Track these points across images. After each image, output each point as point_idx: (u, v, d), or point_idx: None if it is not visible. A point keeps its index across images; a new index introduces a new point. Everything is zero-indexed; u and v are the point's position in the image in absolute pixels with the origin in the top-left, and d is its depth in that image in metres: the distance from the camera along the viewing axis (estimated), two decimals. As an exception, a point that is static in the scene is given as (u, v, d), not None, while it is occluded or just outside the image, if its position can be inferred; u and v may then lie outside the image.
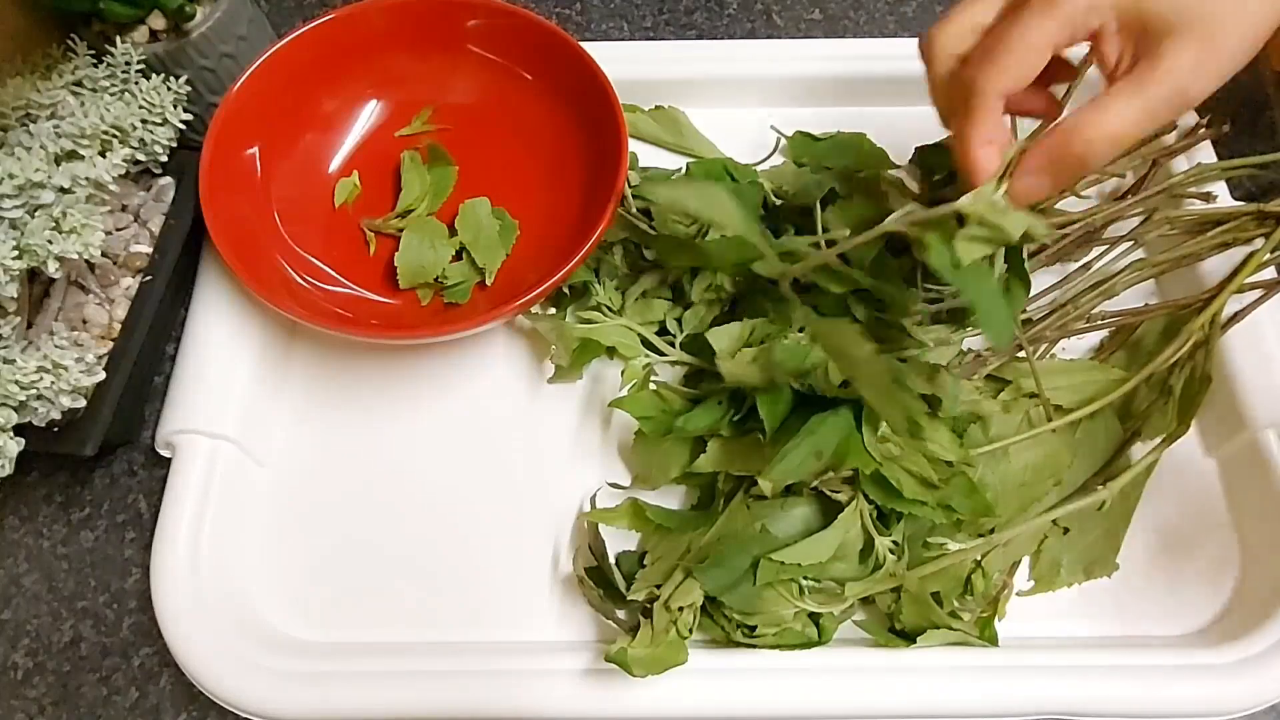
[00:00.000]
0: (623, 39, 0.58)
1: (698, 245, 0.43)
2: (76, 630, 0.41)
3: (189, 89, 0.45)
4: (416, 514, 0.43)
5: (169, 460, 0.42)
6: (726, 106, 0.53)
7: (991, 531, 0.39)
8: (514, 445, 0.44)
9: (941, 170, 0.45)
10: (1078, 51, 0.32)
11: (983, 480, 0.40)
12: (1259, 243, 0.43)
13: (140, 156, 0.43)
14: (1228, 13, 0.28)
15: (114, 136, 0.42)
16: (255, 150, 0.47)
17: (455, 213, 0.47)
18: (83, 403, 0.39)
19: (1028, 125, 0.35)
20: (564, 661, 0.37)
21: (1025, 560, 0.41)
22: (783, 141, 0.51)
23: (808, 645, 0.38)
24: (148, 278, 0.43)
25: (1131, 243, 0.46)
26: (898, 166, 0.48)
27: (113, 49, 0.43)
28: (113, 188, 0.41)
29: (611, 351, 0.44)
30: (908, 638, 0.38)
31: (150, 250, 0.44)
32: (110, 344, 0.42)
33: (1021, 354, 0.42)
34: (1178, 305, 0.44)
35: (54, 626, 0.41)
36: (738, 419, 0.39)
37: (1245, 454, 0.42)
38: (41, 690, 0.40)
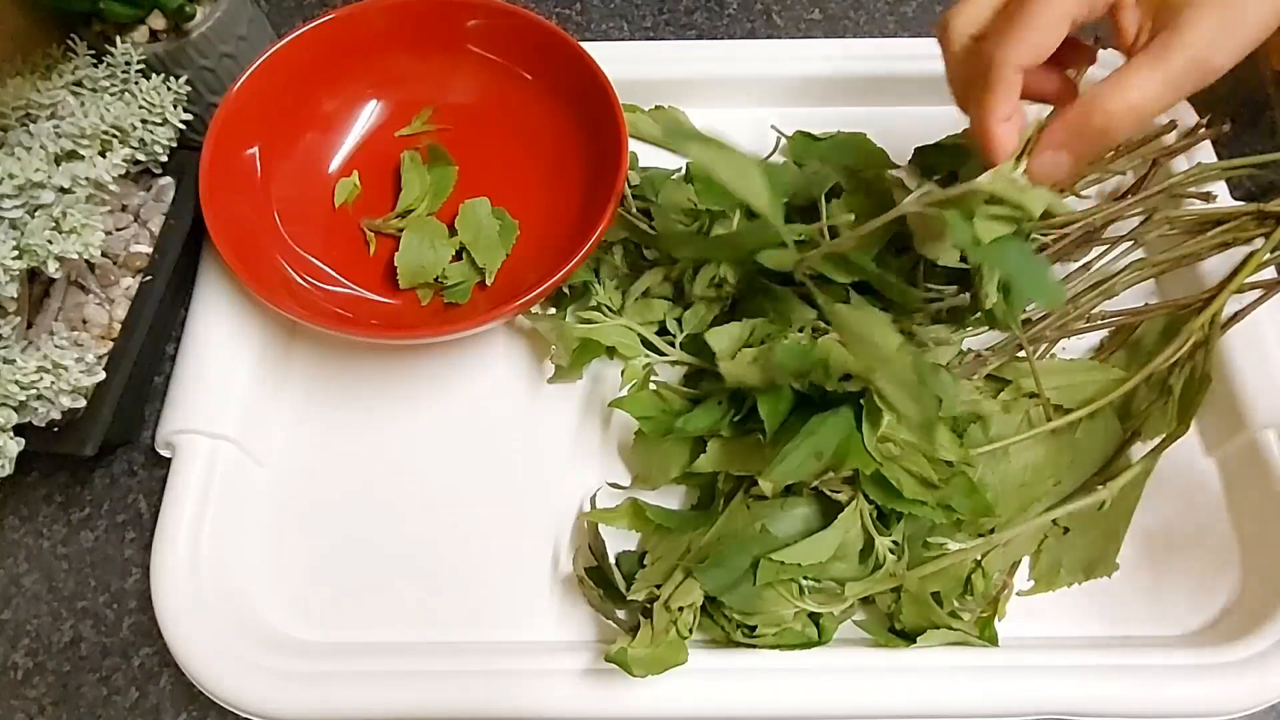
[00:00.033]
0: (623, 39, 0.58)
1: (702, 239, 0.43)
2: (76, 630, 0.41)
3: (189, 89, 0.45)
4: (416, 514, 0.43)
5: (169, 460, 0.42)
6: (726, 106, 0.53)
7: (991, 531, 0.39)
8: (514, 445, 0.44)
9: (941, 170, 0.45)
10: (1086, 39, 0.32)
11: (983, 480, 0.40)
12: (1259, 243, 0.43)
13: (140, 156, 0.43)
14: None
15: (114, 136, 0.42)
16: (255, 150, 0.47)
17: (455, 213, 0.47)
18: (83, 403, 0.39)
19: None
20: (564, 661, 0.37)
21: (1025, 560, 0.41)
22: (783, 141, 0.51)
23: (808, 645, 0.38)
24: (148, 278, 0.43)
25: (1131, 243, 0.46)
26: (897, 166, 0.48)
27: (113, 49, 0.43)
28: (113, 188, 0.41)
29: (611, 351, 0.44)
30: (908, 638, 0.38)
31: (150, 250, 0.44)
32: (110, 344, 0.42)
33: (1021, 354, 0.42)
34: (1178, 305, 0.44)
35: (54, 626, 0.41)
36: (738, 419, 0.39)
37: (1245, 454, 0.42)
38: (41, 690, 0.40)
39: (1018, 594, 0.40)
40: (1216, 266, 0.44)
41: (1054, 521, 0.40)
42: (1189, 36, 0.28)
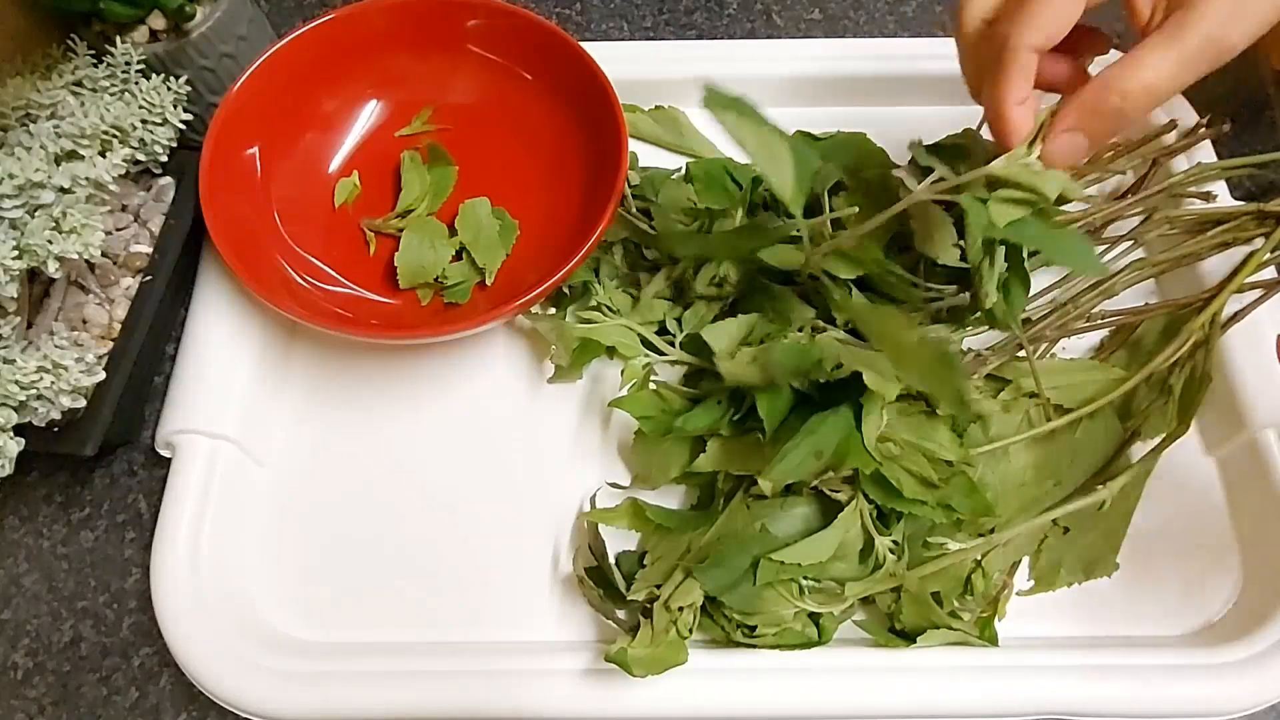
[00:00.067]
0: (623, 39, 0.58)
1: (703, 237, 0.43)
2: (76, 630, 0.41)
3: (189, 89, 0.45)
4: (416, 514, 0.43)
5: (169, 460, 0.42)
6: (726, 106, 0.53)
7: (991, 531, 0.39)
8: (514, 445, 0.44)
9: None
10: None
11: (983, 480, 0.40)
12: (1259, 242, 0.43)
13: (140, 156, 0.43)
14: None
15: (114, 136, 0.42)
16: (255, 150, 0.47)
17: (455, 213, 0.47)
18: (83, 403, 0.39)
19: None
20: (564, 661, 0.37)
21: (1025, 560, 0.41)
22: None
23: (808, 645, 0.38)
24: (148, 278, 0.43)
25: (1131, 242, 0.46)
26: (897, 166, 0.48)
27: (113, 49, 0.43)
28: (113, 188, 0.41)
29: (611, 351, 0.44)
30: (908, 638, 0.38)
31: (150, 250, 0.44)
32: (110, 344, 0.42)
33: (1021, 354, 0.42)
34: (1178, 305, 0.44)
35: (54, 626, 0.41)
36: (737, 418, 0.39)
37: (1245, 454, 0.42)
38: (41, 690, 0.40)
39: (1018, 594, 0.40)
40: (1216, 266, 0.44)
41: (1054, 521, 0.40)
42: (1204, 15, 0.28)
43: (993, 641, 0.38)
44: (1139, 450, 0.42)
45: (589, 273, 0.45)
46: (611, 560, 0.39)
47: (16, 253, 0.37)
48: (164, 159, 0.44)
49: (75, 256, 0.38)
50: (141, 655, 0.41)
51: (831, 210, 0.41)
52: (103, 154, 0.41)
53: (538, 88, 0.49)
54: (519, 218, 0.47)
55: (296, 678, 0.37)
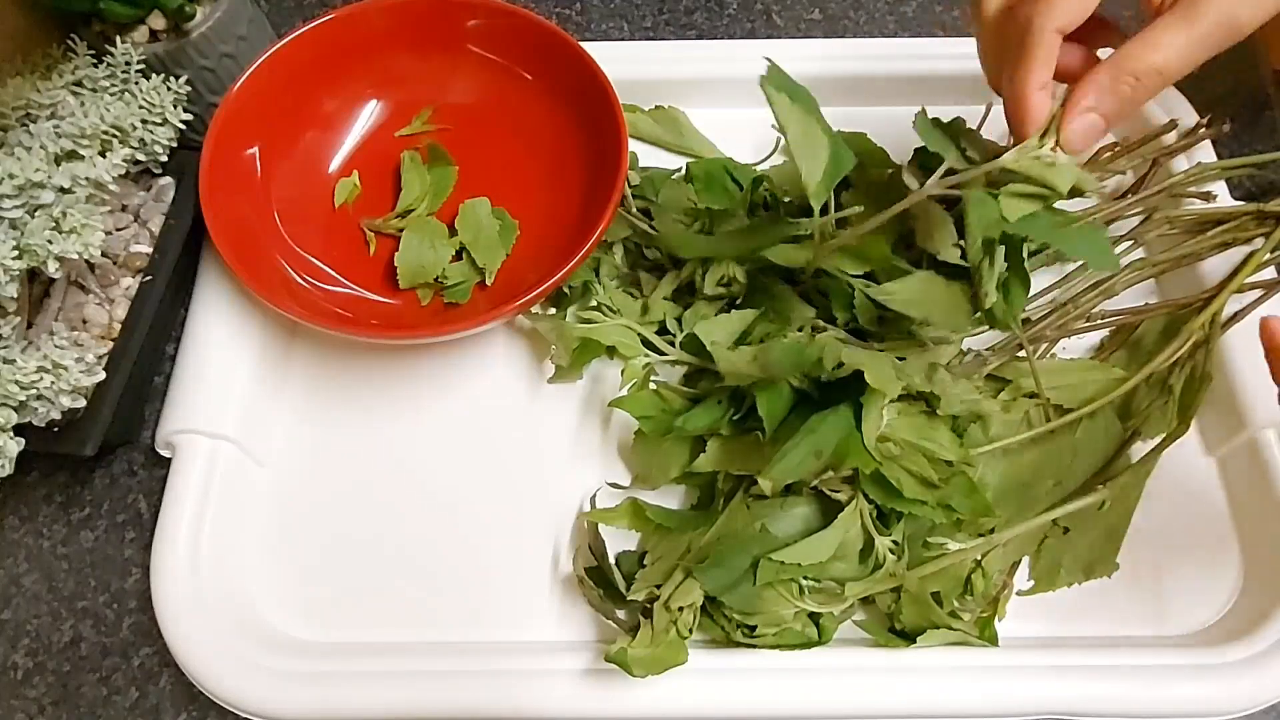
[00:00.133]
0: (623, 39, 0.58)
1: (709, 237, 0.43)
2: (76, 630, 0.41)
3: (189, 89, 0.45)
4: (416, 514, 0.43)
5: (169, 460, 0.42)
6: (726, 106, 0.53)
7: (991, 531, 0.39)
8: (514, 445, 0.44)
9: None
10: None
11: (983, 480, 0.40)
12: (1259, 243, 0.43)
13: (140, 156, 0.43)
14: None
15: (114, 136, 0.42)
16: (255, 150, 0.47)
17: (455, 213, 0.47)
18: (83, 403, 0.39)
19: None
20: (564, 661, 0.37)
21: (1025, 560, 0.41)
22: (783, 141, 0.51)
23: (808, 645, 0.38)
24: (148, 278, 0.43)
25: (1131, 242, 0.46)
26: (898, 166, 0.48)
27: (113, 49, 0.43)
28: (113, 188, 0.41)
29: (611, 351, 0.44)
30: (908, 638, 0.38)
31: (150, 250, 0.44)
32: (110, 344, 0.42)
33: (1021, 354, 0.42)
34: (1178, 305, 0.44)
35: (54, 626, 0.41)
36: (737, 418, 0.39)
37: (1245, 454, 0.42)
38: (41, 690, 0.40)
39: (1018, 594, 0.40)
40: (1216, 266, 0.44)
41: (1054, 521, 0.40)
42: None
43: (993, 641, 0.38)
44: (1139, 450, 0.42)
45: (589, 273, 0.45)
46: (611, 560, 0.39)
47: (16, 253, 0.37)
48: (164, 159, 0.44)
49: (75, 256, 0.38)
50: (141, 655, 0.41)
51: (838, 208, 0.41)
52: (103, 154, 0.41)
53: (538, 88, 0.49)
54: (519, 218, 0.47)
55: (296, 678, 0.37)
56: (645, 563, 0.38)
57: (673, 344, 0.44)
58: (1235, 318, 0.43)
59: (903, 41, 0.54)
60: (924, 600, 0.37)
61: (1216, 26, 0.29)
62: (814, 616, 0.38)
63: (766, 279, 0.43)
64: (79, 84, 0.43)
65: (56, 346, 0.38)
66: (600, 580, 0.39)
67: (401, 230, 0.47)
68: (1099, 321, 0.45)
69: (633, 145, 0.47)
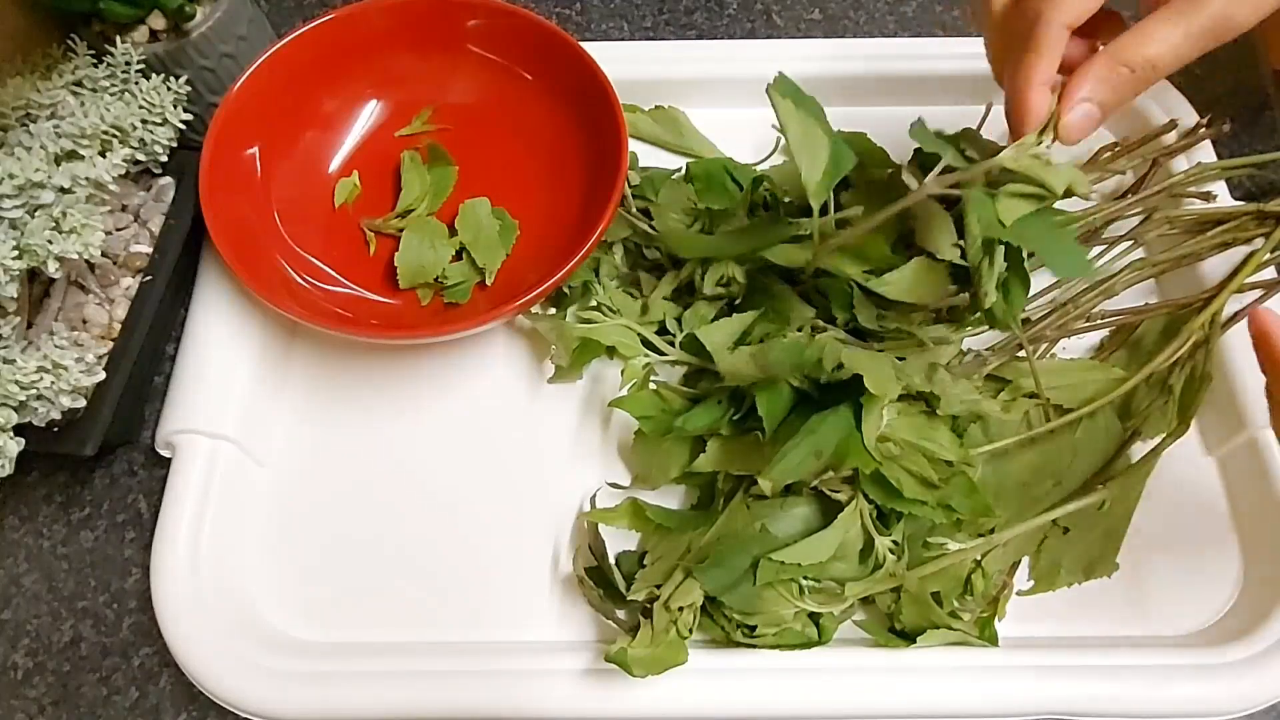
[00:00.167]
0: (623, 39, 0.58)
1: (709, 238, 0.43)
2: (76, 630, 0.41)
3: (189, 89, 0.45)
4: (416, 514, 0.43)
5: (169, 460, 0.42)
6: (726, 106, 0.53)
7: (991, 531, 0.39)
8: (514, 445, 0.44)
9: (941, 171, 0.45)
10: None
11: (983, 480, 0.40)
12: (1259, 243, 0.43)
13: (140, 156, 0.43)
14: None
15: (114, 136, 0.42)
16: (255, 150, 0.47)
17: (455, 213, 0.47)
18: (83, 403, 0.39)
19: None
20: (564, 661, 0.37)
21: (1025, 560, 0.41)
22: (783, 141, 0.51)
23: (808, 645, 0.38)
24: (148, 278, 0.43)
25: (1131, 242, 0.46)
26: (898, 166, 0.48)
27: (113, 49, 0.43)
28: (113, 188, 0.41)
29: (611, 351, 0.44)
30: (908, 638, 0.38)
31: (150, 250, 0.44)
32: (110, 344, 0.42)
33: (1021, 354, 0.42)
34: (1178, 305, 0.44)
35: (54, 626, 0.41)
36: (737, 418, 0.39)
37: (1245, 453, 0.42)
38: (41, 690, 0.40)
39: (1018, 594, 0.40)
40: (1216, 266, 0.44)
41: (1054, 521, 0.40)
42: None
43: (993, 641, 0.38)
44: (1139, 450, 0.42)
45: (589, 273, 0.45)
46: (611, 560, 0.39)
47: (16, 253, 0.37)
48: (164, 159, 0.44)
49: (75, 256, 0.38)
50: (141, 655, 0.41)
51: (838, 208, 0.41)
52: (103, 154, 0.41)
53: (538, 88, 0.49)
54: (519, 218, 0.47)
55: (296, 678, 0.37)
56: (645, 563, 0.38)
57: (673, 344, 0.44)
58: (1235, 318, 0.43)
59: (903, 41, 0.54)
60: (924, 600, 0.37)
61: (1211, 22, 0.29)
62: (814, 616, 0.38)
63: (766, 279, 0.42)
64: (79, 84, 0.43)
65: (56, 346, 0.38)
66: (600, 580, 0.39)
67: (401, 230, 0.47)
68: (1099, 321, 0.45)
69: (633, 145, 0.47)
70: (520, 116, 0.50)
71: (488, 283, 0.46)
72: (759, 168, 0.50)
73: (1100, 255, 0.46)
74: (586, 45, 0.47)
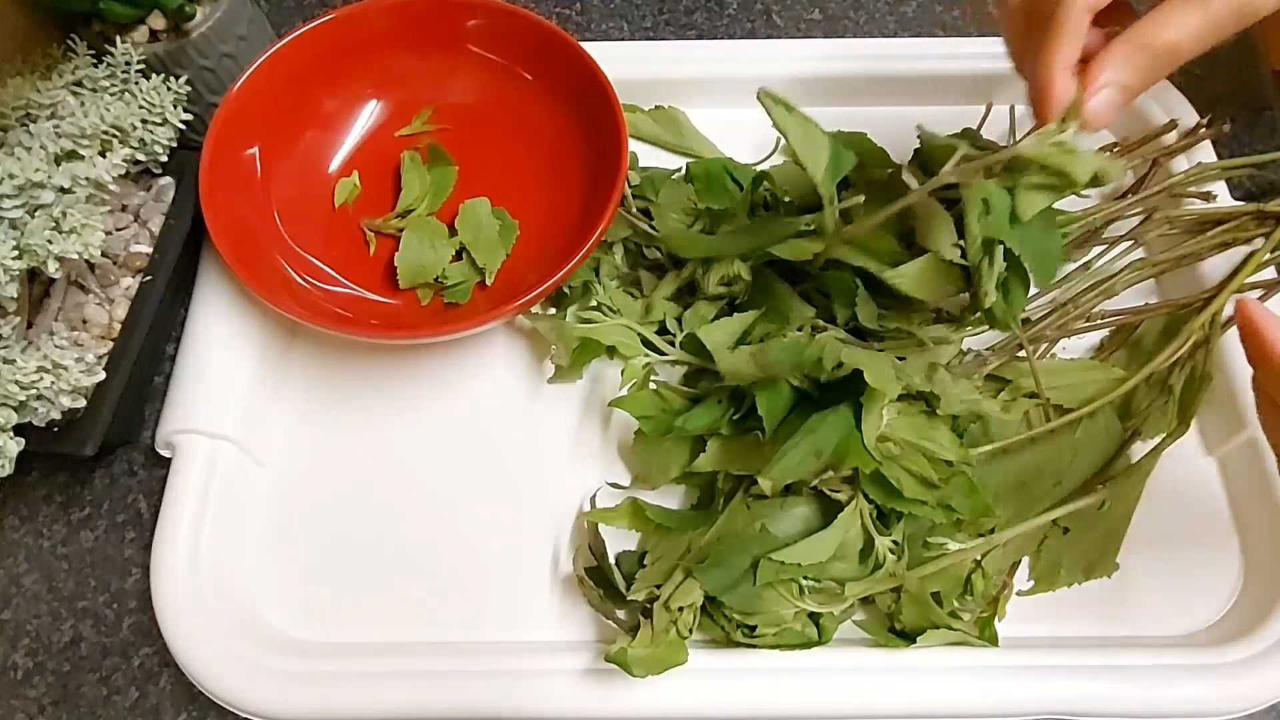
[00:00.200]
0: (623, 39, 0.58)
1: (713, 237, 0.43)
2: (76, 630, 0.41)
3: (189, 89, 0.45)
4: (416, 514, 0.43)
5: (169, 460, 0.42)
6: (726, 106, 0.53)
7: (991, 531, 0.39)
8: (514, 445, 0.44)
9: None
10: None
11: (983, 480, 0.40)
12: (1259, 243, 0.43)
13: (140, 156, 0.43)
14: None
15: (114, 136, 0.42)
16: (255, 150, 0.47)
17: (455, 213, 0.47)
18: (83, 403, 0.39)
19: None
20: (564, 661, 0.37)
21: (1025, 560, 0.41)
22: (783, 141, 0.51)
23: (808, 645, 0.38)
24: (148, 278, 0.43)
25: (1131, 242, 0.46)
26: (897, 166, 0.48)
27: (113, 49, 0.43)
28: (113, 188, 0.41)
29: (611, 351, 0.44)
30: (908, 638, 0.38)
31: (150, 250, 0.44)
32: (110, 344, 0.42)
33: (1021, 354, 0.42)
34: (1178, 305, 0.44)
35: (54, 626, 0.41)
36: (737, 418, 0.39)
37: (1245, 454, 0.42)
38: (41, 690, 0.40)
39: (1018, 594, 0.40)
40: (1216, 266, 0.44)
41: (1054, 521, 0.40)
42: None
43: (993, 641, 0.38)
44: (1139, 450, 0.42)
45: (589, 273, 0.45)
46: (611, 560, 0.39)
47: (16, 253, 0.37)
48: (164, 159, 0.44)
49: (75, 256, 0.38)
50: (141, 655, 0.41)
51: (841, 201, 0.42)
52: (103, 154, 0.41)
53: (538, 88, 0.49)
54: (519, 218, 0.47)
55: (296, 678, 0.37)
56: (645, 563, 0.38)
57: (673, 344, 0.44)
58: (1235, 318, 0.43)
59: (903, 41, 0.54)
60: (924, 600, 0.37)
61: (1230, 9, 0.28)
62: (814, 616, 0.38)
63: (766, 278, 0.43)
64: (79, 84, 0.43)
65: (56, 346, 0.38)
66: (600, 580, 0.39)
67: (401, 230, 0.47)
68: (1099, 321, 0.45)
69: (633, 145, 0.47)
70: (520, 116, 0.50)
71: (488, 283, 0.46)
72: (759, 168, 0.50)
73: (1100, 255, 0.46)
74: (586, 45, 0.47)
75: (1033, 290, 0.42)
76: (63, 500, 0.44)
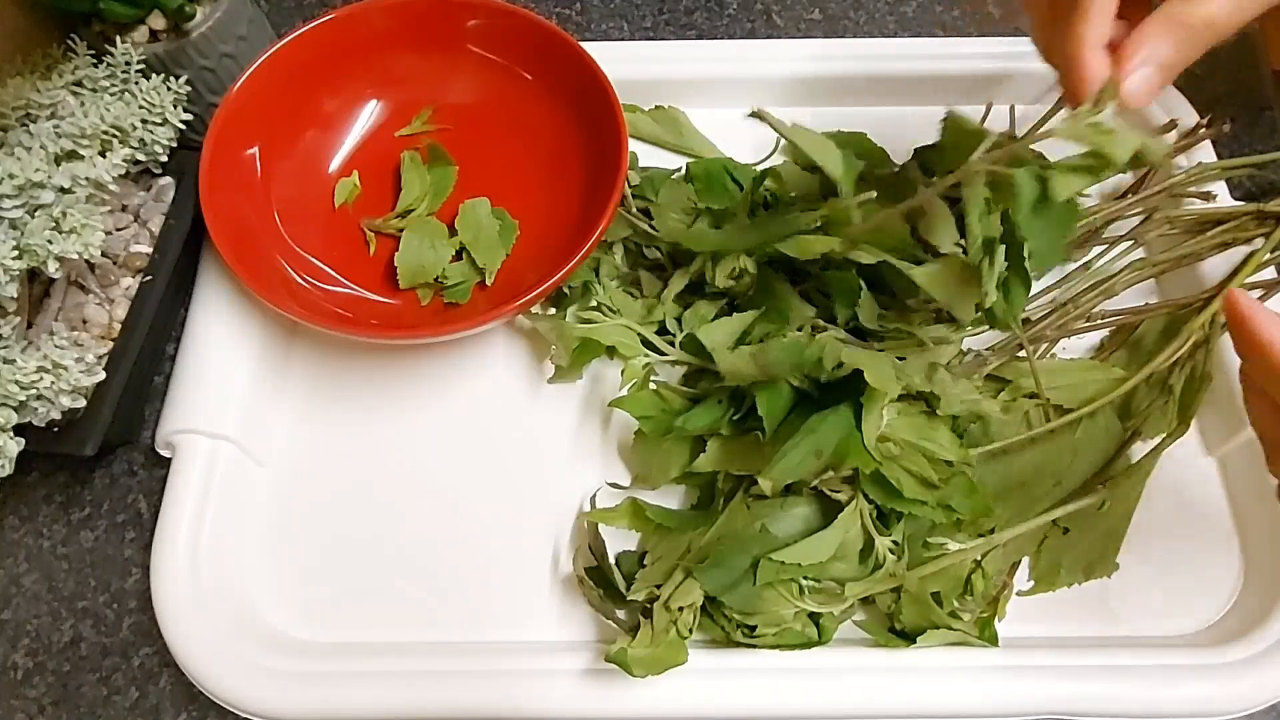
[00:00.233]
0: (623, 39, 0.58)
1: (721, 232, 0.43)
2: (76, 630, 0.41)
3: (189, 89, 0.45)
4: (416, 514, 0.43)
5: (169, 460, 0.42)
6: (726, 106, 0.53)
7: (991, 531, 0.39)
8: (514, 445, 0.44)
9: (941, 170, 0.45)
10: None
11: (983, 480, 0.40)
12: (1259, 243, 0.43)
13: (140, 156, 0.43)
14: None
15: (114, 136, 0.42)
16: (255, 150, 0.47)
17: (455, 213, 0.47)
18: (83, 403, 0.39)
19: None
20: (564, 661, 0.37)
21: (1025, 560, 0.41)
22: (783, 141, 0.51)
23: (808, 645, 0.38)
24: (148, 278, 0.43)
25: (1131, 242, 0.46)
26: (898, 166, 0.48)
27: (113, 49, 0.43)
28: (113, 188, 0.41)
29: (611, 351, 0.44)
30: (908, 638, 0.38)
31: (150, 250, 0.44)
32: (110, 344, 0.42)
33: (1021, 354, 0.42)
34: (1178, 305, 0.44)
35: (54, 626, 0.41)
36: (737, 418, 0.39)
37: (1245, 454, 0.42)
38: (41, 690, 0.40)
39: (1018, 594, 0.40)
40: (1216, 266, 0.44)
41: (1054, 521, 0.40)
42: None
43: (993, 641, 0.38)
44: (1139, 450, 0.42)
45: (589, 273, 0.45)
46: (611, 560, 0.39)
47: (16, 253, 0.37)
48: (164, 159, 0.44)
49: (75, 256, 0.38)
50: (141, 655, 0.41)
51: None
52: (103, 154, 0.41)
53: (538, 88, 0.49)
54: (519, 218, 0.47)
55: (296, 678, 0.37)
56: (645, 563, 0.38)
57: (673, 344, 0.44)
58: (1235, 318, 0.43)
59: (903, 41, 0.54)
60: (924, 600, 0.37)
61: None
62: (814, 616, 0.38)
63: (767, 277, 0.42)
64: (79, 84, 0.43)
65: (56, 346, 0.38)
66: (600, 580, 0.39)
67: (401, 230, 0.47)
68: (1099, 321, 0.45)
69: (633, 145, 0.47)
70: (520, 116, 0.50)
71: (488, 283, 0.46)
72: (759, 168, 0.50)
73: (1100, 255, 0.46)
74: (586, 45, 0.47)
75: (1033, 290, 0.42)
76: (63, 500, 0.44)
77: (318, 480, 0.44)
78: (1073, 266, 0.46)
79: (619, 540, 0.40)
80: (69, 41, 0.44)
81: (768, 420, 0.37)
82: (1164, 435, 0.41)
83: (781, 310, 0.42)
